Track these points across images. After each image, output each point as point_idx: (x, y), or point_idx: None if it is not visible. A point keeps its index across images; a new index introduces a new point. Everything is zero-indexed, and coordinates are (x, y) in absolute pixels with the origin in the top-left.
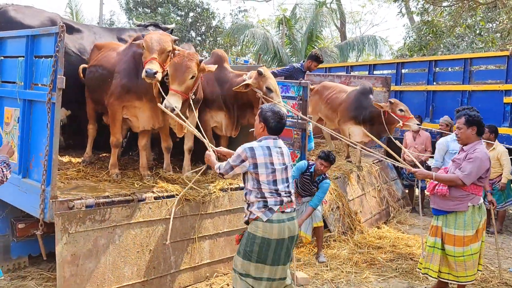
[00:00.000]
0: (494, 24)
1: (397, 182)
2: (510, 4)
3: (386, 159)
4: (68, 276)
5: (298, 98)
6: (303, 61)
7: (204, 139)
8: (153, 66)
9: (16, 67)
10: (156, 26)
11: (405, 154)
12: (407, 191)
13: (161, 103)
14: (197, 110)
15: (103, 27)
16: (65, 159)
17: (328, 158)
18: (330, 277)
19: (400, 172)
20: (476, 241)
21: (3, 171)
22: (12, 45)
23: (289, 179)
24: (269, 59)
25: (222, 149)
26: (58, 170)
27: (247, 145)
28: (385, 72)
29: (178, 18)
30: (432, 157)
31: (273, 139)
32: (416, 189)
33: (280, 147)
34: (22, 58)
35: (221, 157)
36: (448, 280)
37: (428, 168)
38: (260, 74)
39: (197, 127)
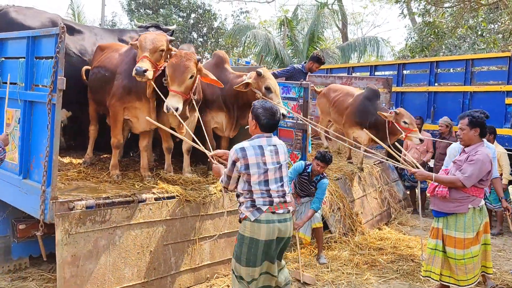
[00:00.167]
0: (496, 25)
1: (398, 183)
2: None
3: (387, 160)
4: (68, 277)
5: (299, 98)
6: (304, 62)
7: (199, 146)
8: (143, 64)
9: (17, 68)
10: (157, 27)
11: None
12: (408, 192)
13: (154, 103)
14: (196, 111)
15: (104, 28)
16: (66, 160)
17: (324, 159)
18: (331, 279)
19: (401, 173)
20: (477, 243)
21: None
22: (13, 46)
23: (284, 178)
24: (271, 60)
25: (218, 151)
26: (59, 171)
27: (238, 145)
28: (386, 73)
29: (180, 19)
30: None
31: (267, 137)
32: (418, 190)
33: (274, 145)
34: (23, 59)
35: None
36: (449, 283)
37: (430, 169)
38: (259, 74)
39: (199, 127)
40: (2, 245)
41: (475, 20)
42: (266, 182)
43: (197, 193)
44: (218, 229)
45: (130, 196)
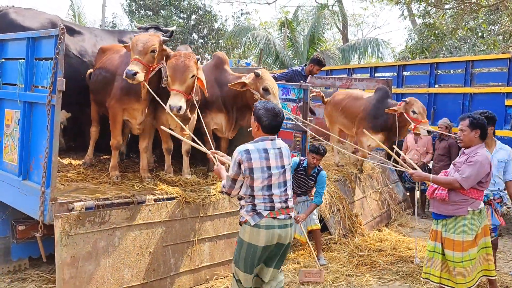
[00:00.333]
0: (496, 27)
1: (398, 184)
2: None
3: (386, 161)
4: (67, 278)
5: (298, 100)
6: (305, 65)
7: (199, 146)
8: (133, 67)
9: (17, 69)
10: (157, 28)
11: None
12: (408, 194)
13: (147, 104)
14: (195, 112)
15: (104, 30)
16: (66, 161)
17: (318, 151)
18: (331, 280)
19: (401, 175)
20: (475, 246)
21: None
22: (13, 47)
23: (288, 182)
24: (271, 61)
25: (224, 158)
26: (58, 172)
27: (242, 147)
28: (386, 74)
29: (180, 20)
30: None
31: (271, 139)
32: (417, 191)
33: (279, 148)
34: (23, 60)
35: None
36: (448, 286)
37: (430, 170)
38: (257, 75)
39: (197, 128)
40: (2, 246)
41: (475, 22)
42: (270, 187)
43: (196, 194)
44: (218, 231)
45: (129, 197)
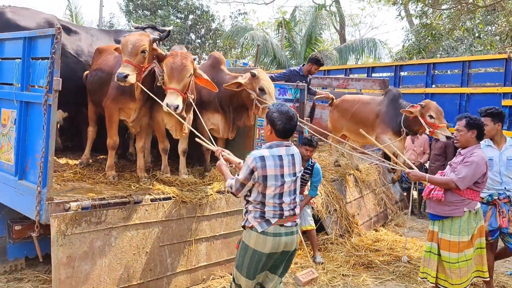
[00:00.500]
0: (493, 27)
1: (395, 184)
2: (509, 7)
3: (383, 161)
4: (63, 278)
5: (295, 100)
6: (303, 65)
7: (212, 146)
8: (124, 69)
9: (13, 68)
10: (154, 28)
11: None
12: (405, 194)
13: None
14: (191, 112)
15: (100, 29)
16: (63, 161)
17: (311, 143)
18: (327, 280)
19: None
20: (471, 246)
21: None
22: (10, 47)
23: (297, 190)
24: (268, 61)
25: (231, 158)
26: (55, 172)
27: (257, 153)
28: (383, 74)
29: (178, 20)
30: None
31: (286, 145)
32: (414, 191)
33: (292, 154)
34: (19, 60)
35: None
36: (444, 286)
37: (427, 170)
38: (253, 75)
39: (196, 129)
40: None
41: (472, 22)
42: (281, 195)
43: (193, 194)
44: (215, 231)
45: (126, 197)
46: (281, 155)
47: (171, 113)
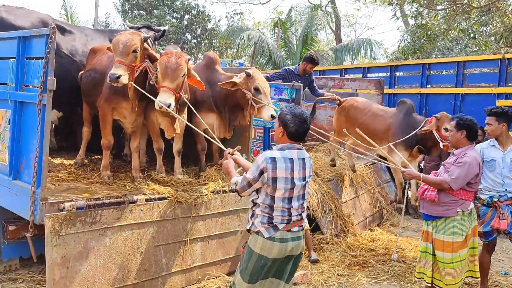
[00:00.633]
0: (488, 28)
1: (390, 184)
2: (504, 8)
3: (379, 161)
4: (58, 278)
5: (291, 100)
6: (298, 65)
7: (218, 143)
8: (116, 70)
9: (8, 68)
10: (149, 28)
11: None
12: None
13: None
14: (185, 111)
15: (95, 29)
16: (57, 161)
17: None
18: (322, 279)
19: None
20: (465, 247)
21: None
22: (4, 47)
23: (306, 194)
24: (264, 61)
25: (239, 159)
26: (49, 172)
27: (268, 153)
28: (379, 75)
29: (174, 20)
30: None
31: (298, 149)
32: (409, 191)
33: (303, 158)
34: (14, 59)
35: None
36: (439, 286)
37: (422, 170)
38: (248, 75)
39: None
40: None
41: (467, 23)
42: (290, 199)
43: (188, 194)
44: (210, 231)
45: (121, 197)
46: (292, 158)
47: (164, 113)
